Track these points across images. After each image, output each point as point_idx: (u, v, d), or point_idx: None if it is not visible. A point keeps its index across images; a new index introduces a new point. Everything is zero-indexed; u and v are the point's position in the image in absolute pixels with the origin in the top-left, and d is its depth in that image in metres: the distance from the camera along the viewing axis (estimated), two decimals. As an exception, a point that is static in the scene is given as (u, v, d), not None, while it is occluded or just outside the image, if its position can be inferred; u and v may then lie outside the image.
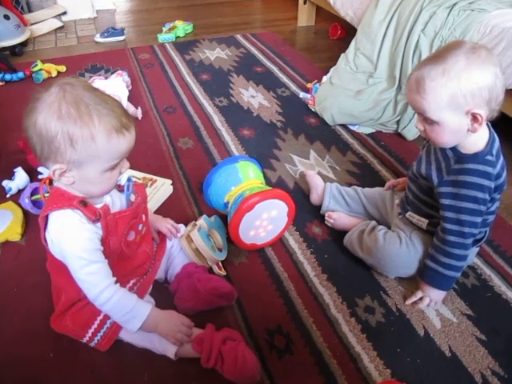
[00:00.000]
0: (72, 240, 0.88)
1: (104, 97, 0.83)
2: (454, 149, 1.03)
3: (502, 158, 1.04)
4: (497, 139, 1.04)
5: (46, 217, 0.89)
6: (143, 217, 1.04)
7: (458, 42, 0.98)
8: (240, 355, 0.93)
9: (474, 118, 0.95)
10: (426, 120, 1.00)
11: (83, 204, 0.88)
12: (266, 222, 1.22)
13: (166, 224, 1.18)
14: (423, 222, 1.16)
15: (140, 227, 1.02)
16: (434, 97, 0.95)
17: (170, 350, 0.98)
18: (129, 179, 0.98)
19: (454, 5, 1.69)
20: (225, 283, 1.11)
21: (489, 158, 1.00)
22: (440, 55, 0.95)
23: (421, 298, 1.13)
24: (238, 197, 1.21)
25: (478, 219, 1.04)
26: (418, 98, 0.97)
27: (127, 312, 0.94)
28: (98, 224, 0.91)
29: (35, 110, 0.80)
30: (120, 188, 0.99)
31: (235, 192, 1.25)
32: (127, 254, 0.99)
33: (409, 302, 1.14)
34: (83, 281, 0.91)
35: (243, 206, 1.15)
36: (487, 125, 1.04)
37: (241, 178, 1.27)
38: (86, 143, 0.80)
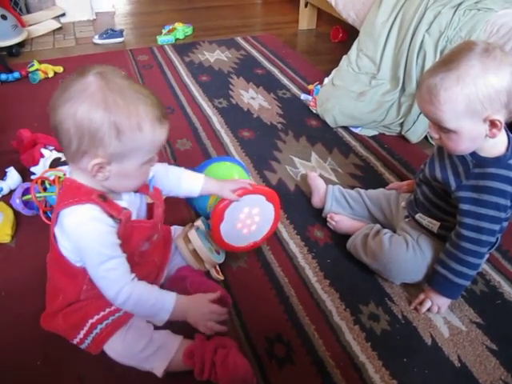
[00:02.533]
0: (92, 235, 0.82)
1: (139, 85, 0.81)
2: (473, 152, 0.98)
3: None
4: None
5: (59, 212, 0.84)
6: (159, 225, 0.99)
7: (468, 43, 0.92)
8: (231, 363, 0.88)
9: (493, 123, 0.90)
10: (442, 129, 0.95)
11: (102, 198, 0.83)
12: (249, 219, 1.14)
13: (232, 187, 1.08)
14: (434, 225, 1.11)
15: (155, 237, 0.98)
16: (449, 107, 0.89)
17: (157, 368, 0.92)
18: (152, 177, 0.96)
19: (460, 4, 1.66)
20: (217, 288, 1.05)
21: (511, 162, 0.96)
22: (451, 60, 0.89)
23: (422, 302, 1.09)
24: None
25: (497, 227, 0.99)
26: (433, 108, 0.92)
27: (151, 305, 0.88)
28: (116, 221, 0.86)
29: (74, 100, 0.74)
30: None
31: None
32: (138, 262, 0.94)
33: (412, 306, 1.10)
34: (103, 278, 0.86)
35: (218, 208, 1.08)
36: (504, 128, 0.98)
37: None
38: (132, 134, 0.76)
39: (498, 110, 0.89)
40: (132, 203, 0.92)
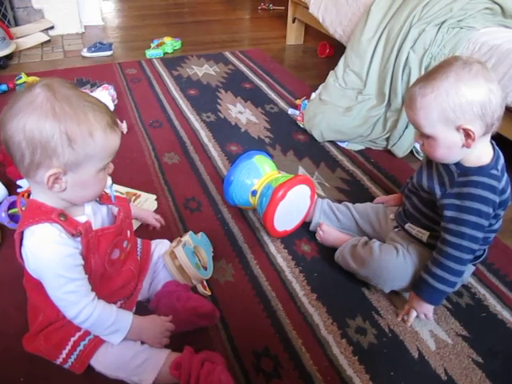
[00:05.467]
0: (50, 258, 0.81)
1: (86, 94, 0.82)
2: (458, 163, 1.02)
3: (506, 174, 1.03)
4: (501, 156, 1.04)
5: (22, 232, 0.83)
6: (128, 233, 0.98)
7: (453, 57, 0.98)
8: (216, 379, 0.87)
9: (467, 133, 0.94)
10: (423, 135, 1.00)
11: (62, 217, 0.82)
12: (295, 207, 1.29)
13: (153, 215, 1.24)
14: (424, 234, 1.12)
15: (125, 244, 0.97)
16: (424, 113, 0.96)
17: (146, 380, 0.91)
18: (111, 184, 0.96)
19: (443, 22, 1.70)
20: (205, 302, 1.05)
21: (494, 172, 0.99)
22: (433, 72, 0.97)
23: (408, 313, 1.10)
24: (266, 189, 1.27)
25: (480, 234, 1.01)
26: (412, 114, 0.99)
27: (109, 326, 0.89)
28: (78, 239, 0.85)
29: (22, 113, 0.74)
30: (101, 200, 0.95)
31: (260, 185, 1.31)
32: (110, 272, 0.94)
33: (399, 317, 1.11)
34: (61, 299, 0.85)
35: (276, 196, 1.21)
36: (491, 142, 1.03)
37: (261, 171, 1.34)
38: (84, 141, 0.76)
39: (472, 120, 0.93)
40: (96, 214, 0.92)
